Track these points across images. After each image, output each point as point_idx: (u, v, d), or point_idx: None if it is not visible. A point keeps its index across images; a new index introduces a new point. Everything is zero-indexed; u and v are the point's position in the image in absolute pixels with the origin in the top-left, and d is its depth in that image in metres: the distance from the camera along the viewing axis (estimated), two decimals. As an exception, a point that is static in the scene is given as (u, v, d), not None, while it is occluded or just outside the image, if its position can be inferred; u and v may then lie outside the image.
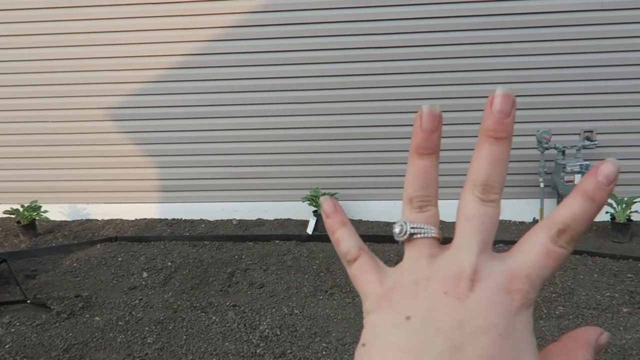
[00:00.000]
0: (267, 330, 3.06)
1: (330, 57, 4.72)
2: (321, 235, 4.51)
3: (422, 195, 0.35)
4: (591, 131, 4.60)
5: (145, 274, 3.88)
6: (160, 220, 5.09)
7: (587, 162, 4.36)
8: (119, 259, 4.17)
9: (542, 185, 4.54)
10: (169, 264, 4.02)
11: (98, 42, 4.83)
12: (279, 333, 3.04)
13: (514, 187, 4.78)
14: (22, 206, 4.73)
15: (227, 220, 5.03)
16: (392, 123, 4.77)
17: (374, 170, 4.88)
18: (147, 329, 3.15)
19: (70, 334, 3.09)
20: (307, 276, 3.77)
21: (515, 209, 4.79)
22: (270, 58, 4.77)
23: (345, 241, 0.36)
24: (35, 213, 4.75)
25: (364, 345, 0.31)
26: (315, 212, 4.67)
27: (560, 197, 4.66)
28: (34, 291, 3.66)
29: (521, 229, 4.56)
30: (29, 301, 3.44)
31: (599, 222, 4.58)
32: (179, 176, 5.07)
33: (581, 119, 4.61)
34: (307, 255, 4.09)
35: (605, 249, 4.03)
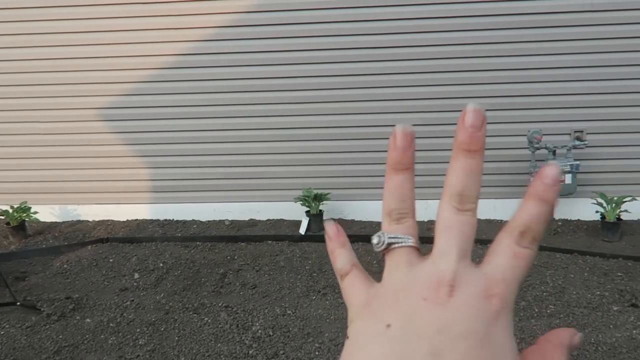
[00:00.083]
0: (259, 331, 3.05)
1: (322, 57, 4.72)
2: (314, 236, 4.51)
3: (399, 208, 0.37)
4: (581, 131, 4.64)
5: (136, 275, 3.85)
6: (152, 221, 5.06)
7: (578, 162, 4.40)
8: (110, 260, 4.14)
9: (533, 185, 4.56)
10: (161, 265, 4.00)
11: (88, 41, 4.80)
12: (271, 334, 3.03)
13: (505, 186, 4.81)
14: (12, 207, 4.68)
15: (220, 221, 5.02)
16: (384, 123, 4.77)
17: (366, 171, 4.89)
18: (138, 330, 3.12)
19: (60, 336, 3.06)
20: (299, 276, 3.76)
21: (506, 209, 4.81)
22: (262, 58, 4.76)
23: (341, 258, 0.38)
24: (24, 214, 4.70)
25: (347, 354, 0.31)
26: (307, 212, 4.67)
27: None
28: (24, 293, 3.63)
29: (512, 228, 4.59)
30: (18, 303, 3.40)
31: (589, 221, 4.62)
32: (171, 177, 5.05)
33: (571, 119, 4.65)
34: (299, 255, 4.08)
35: (595, 248, 4.06)
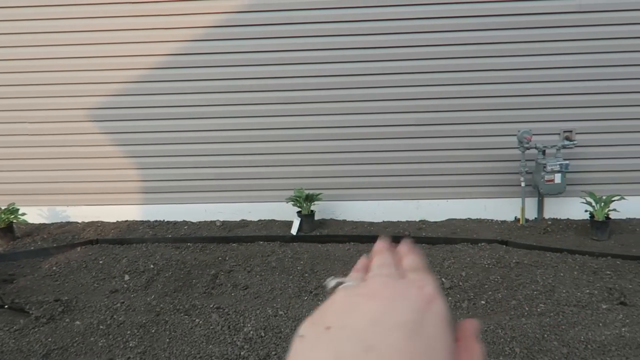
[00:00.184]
0: (251, 332, 3.04)
1: (313, 58, 4.72)
2: (305, 236, 4.50)
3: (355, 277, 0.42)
4: (570, 131, 4.69)
5: (127, 277, 3.82)
6: (142, 222, 5.02)
7: (567, 162, 4.43)
8: (100, 262, 4.10)
9: (523, 184, 4.60)
10: (152, 266, 3.97)
11: (76, 41, 4.76)
12: (263, 335, 3.02)
13: (496, 186, 4.84)
14: (-1, 209, 4.63)
15: (211, 222, 4.99)
16: (375, 124, 4.78)
17: (358, 171, 4.89)
18: (129, 332, 3.10)
19: (49, 339, 3.02)
20: (291, 277, 3.75)
21: (497, 208, 4.85)
22: (253, 59, 4.75)
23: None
24: (12, 216, 4.65)
25: None
26: (299, 212, 4.66)
27: (540, 196, 4.73)
28: (12, 296, 3.58)
29: (503, 227, 4.62)
30: (6, 306, 3.36)
31: (579, 220, 4.67)
32: (162, 177, 5.02)
33: (561, 119, 4.69)
34: (291, 256, 4.07)
35: (584, 247, 4.10)
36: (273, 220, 4.97)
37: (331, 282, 0.39)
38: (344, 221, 4.93)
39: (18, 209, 4.69)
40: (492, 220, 4.84)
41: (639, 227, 4.57)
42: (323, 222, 4.88)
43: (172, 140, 4.93)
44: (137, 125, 4.91)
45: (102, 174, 5.02)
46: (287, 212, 4.85)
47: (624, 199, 4.33)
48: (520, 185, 4.63)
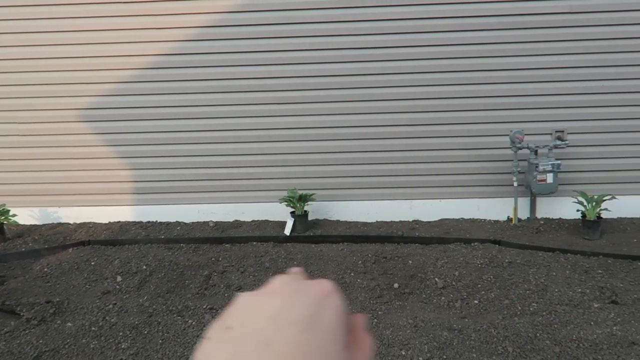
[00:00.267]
0: (244, 333, 3.03)
1: (306, 58, 4.72)
2: (299, 237, 4.49)
3: None
4: (562, 131, 4.72)
5: (119, 278, 3.79)
6: (134, 223, 4.99)
7: (559, 162, 4.46)
8: (92, 263, 4.07)
9: (515, 184, 4.63)
10: (144, 267, 3.94)
11: (68, 41, 4.72)
12: (257, 335, 3.01)
13: (489, 186, 4.86)
14: (-10, 210, 4.58)
15: (204, 222, 4.97)
16: (369, 124, 4.79)
17: (351, 171, 4.89)
18: (121, 334, 3.08)
19: (40, 341, 3.00)
20: (285, 277, 3.74)
21: (490, 208, 4.87)
22: (247, 59, 4.74)
23: None
24: (3, 217, 4.60)
25: None
26: (292, 213, 4.65)
27: (533, 196, 4.76)
28: (3, 297, 3.54)
29: (496, 227, 4.64)
30: (-3, 308, 3.33)
31: (571, 220, 4.70)
32: (154, 178, 4.99)
33: (553, 119, 4.72)
34: (285, 256, 4.07)
35: (576, 246, 4.12)
36: (266, 221, 4.97)
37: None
38: (338, 221, 4.93)
39: (8, 210, 4.65)
40: (485, 220, 4.86)
41: (630, 226, 4.61)
42: (317, 223, 4.88)
43: (164, 140, 4.90)
44: (129, 126, 4.88)
45: (94, 175, 4.98)
46: (280, 213, 4.84)
47: (615, 198, 4.36)
48: (512, 185, 4.65)
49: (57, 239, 4.65)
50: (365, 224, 4.83)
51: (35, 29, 4.71)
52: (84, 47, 4.73)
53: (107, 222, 5.05)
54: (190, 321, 3.19)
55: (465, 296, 3.39)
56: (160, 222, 5.02)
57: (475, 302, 3.32)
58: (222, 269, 3.91)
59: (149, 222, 5.02)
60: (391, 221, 4.87)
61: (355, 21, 4.64)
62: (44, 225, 5.06)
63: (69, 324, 3.19)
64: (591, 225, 4.31)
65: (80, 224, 5.04)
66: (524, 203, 4.81)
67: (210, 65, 4.75)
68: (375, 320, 3.14)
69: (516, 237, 4.36)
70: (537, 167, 4.46)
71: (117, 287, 3.68)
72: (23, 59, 4.77)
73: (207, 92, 4.81)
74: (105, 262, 4.07)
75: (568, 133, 4.71)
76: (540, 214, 4.85)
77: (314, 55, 4.71)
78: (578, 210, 4.44)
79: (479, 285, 3.49)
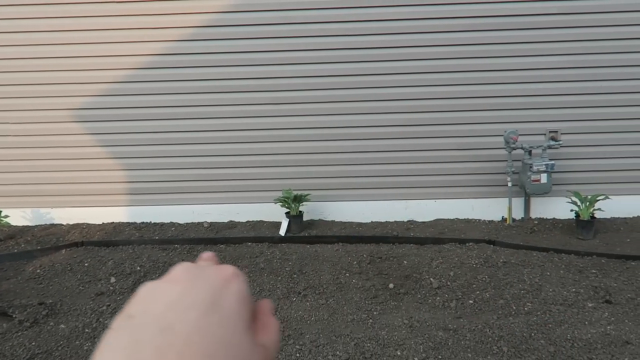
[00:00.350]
0: (239, 334, 3.02)
1: (300, 58, 4.71)
2: (294, 237, 4.49)
3: None
4: (556, 131, 4.74)
5: (113, 279, 3.77)
6: (128, 224, 4.96)
7: (553, 162, 4.48)
8: (86, 265, 4.04)
9: (510, 184, 4.64)
10: (138, 268, 3.92)
11: (61, 41, 4.69)
12: (251, 336, 3.00)
13: (483, 186, 4.87)
14: (-18, 211, 4.54)
15: (198, 223, 4.96)
16: (364, 124, 4.79)
17: (346, 172, 4.89)
18: (115, 335, 3.05)
19: (33, 343, 2.97)
20: (280, 278, 3.74)
21: (484, 208, 4.88)
22: (242, 59, 4.72)
23: None
24: (-5, 218, 4.57)
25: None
26: (287, 213, 4.64)
27: (527, 196, 4.77)
28: (-5, 299, 3.51)
29: (490, 227, 4.65)
30: (-11, 310, 3.29)
31: (564, 220, 4.72)
32: (148, 178, 4.96)
33: (546, 120, 4.74)
34: (279, 257, 4.06)
35: (570, 246, 4.14)
36: (261, 222, 4.95)
37: None
38: (333, 222, 4.92)
39: (1, 211, 4.61)
40: (479, 220, 4.87)
41: (623, 226, 4.63)
42: (312, 223, 4.87)
43: (158, 141, 4.88)
44: (123, 126, 4.86)
45: (88, 176, 4.95)
46: (275, 213, 4.83)
47: (609, 198, 4.38)
48: (507, 185, 4.67)
49: (50, 240, 4.62)
50: (360, 224, 4.82)
51: (28, 29, 4.67)
52: (77, 47, 4.70)
53: (100, 223, 5.02)
54: (184, 322, 3.18)
55: (460, 296, 3.39)
56: (154, 223, 4.99)
57: (470, 302, 3.32)
58: (216, 270, 3.89)
59: (143, 222, 5.00)
60: (386, 221, 4.87)
61: (343, 22, 4.64)
62: (36, 226, 5.02)
63: (62, 325, 3.16)
64: (585, 225, 4.33)
65: (74, 225, 5.00)
66: (518, 203, 4.83)
67: (205, 66, 4.73)
68: (371, 320, 3.14)
69: (511, 237, 4.37)
70: (531, 167, 4.47)
71: (111, 288, 3.66)
72: (15, 58, 4.73)
73: (200, 93, 4.79)
74: (98, 263, 4.04)
75: (562, 133, 4.73)
76: (534, 214, 4.87)
77: (308, 55, 4.70)
78: (572, 210, 4.46)
79: (474, 285, 3.49)
